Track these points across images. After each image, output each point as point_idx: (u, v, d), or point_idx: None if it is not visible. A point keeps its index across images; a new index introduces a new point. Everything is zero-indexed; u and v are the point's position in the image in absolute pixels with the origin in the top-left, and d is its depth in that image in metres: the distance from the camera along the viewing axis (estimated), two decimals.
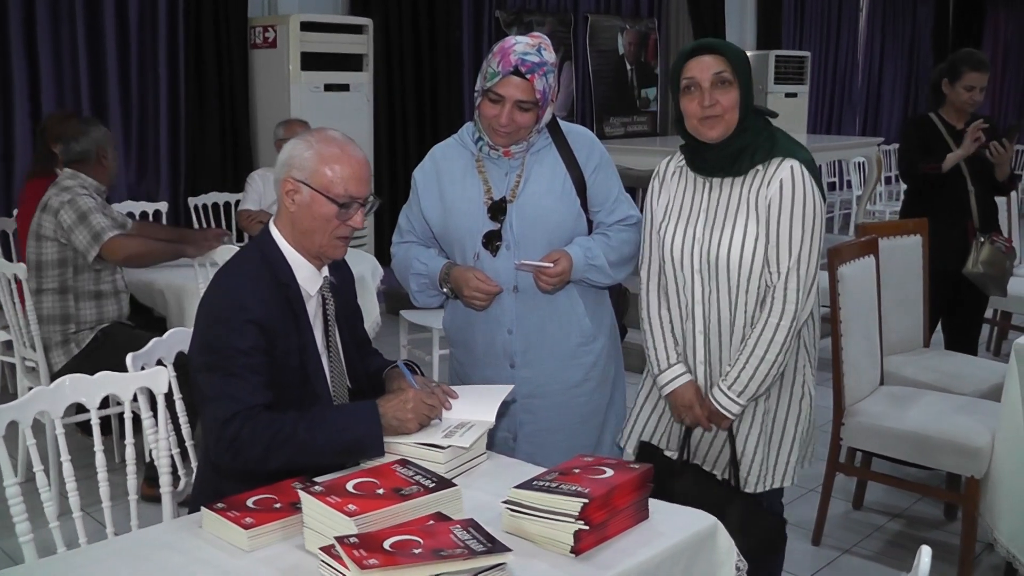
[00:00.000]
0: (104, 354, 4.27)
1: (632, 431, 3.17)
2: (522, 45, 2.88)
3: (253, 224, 5.62)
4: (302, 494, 2.02)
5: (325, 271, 2.66)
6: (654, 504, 2.21)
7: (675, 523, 2.18)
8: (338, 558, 1.71)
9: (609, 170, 3.12)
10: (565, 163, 3.04)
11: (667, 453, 3.09)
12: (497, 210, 2.99)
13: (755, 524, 2.87)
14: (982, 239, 5.00)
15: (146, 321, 4.98)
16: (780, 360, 2.82)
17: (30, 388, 4.67)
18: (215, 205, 6.86)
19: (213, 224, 6.75)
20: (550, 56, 2.93)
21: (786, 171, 2.81)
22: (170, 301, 4.88)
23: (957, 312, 5.22)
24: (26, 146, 6.40)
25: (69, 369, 4.26)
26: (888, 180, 12.48)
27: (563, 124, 3.11)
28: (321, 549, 1.76)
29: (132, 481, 2.77)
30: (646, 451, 3.11)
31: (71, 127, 4.71)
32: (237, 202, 6.54)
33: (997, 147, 4.95)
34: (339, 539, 1.75)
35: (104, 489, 2.63)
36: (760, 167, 2.83)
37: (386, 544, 1.74)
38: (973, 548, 3.78)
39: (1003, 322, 6.73)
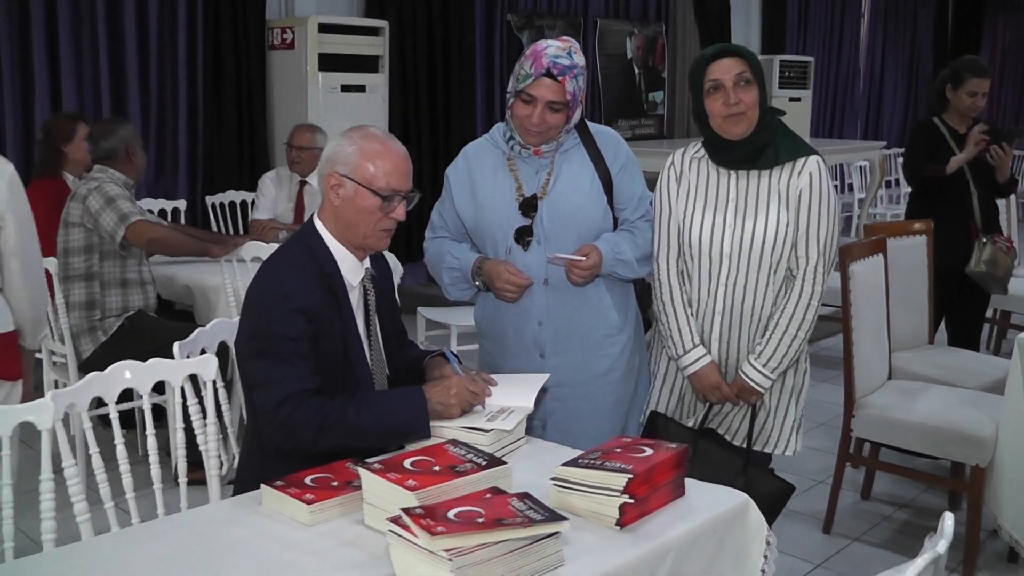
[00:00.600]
0: (131, 342, 4.41)
1: (647, 411, 3.35)
2: (554, 48, 3.02)
3: (265, 233, 5.67)
4: (362, 471, 2.15)
5: (367, 263, 2.78)
6: (689, 482, 2.35)
7: (710, 499, 2.32)
8: (407, 527, 1.84)
9: (634, 169, 3.25)
10: (593, 162, 3.17)
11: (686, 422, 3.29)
12: (528, 206, 3.12)
13: (765, 486, 3.07)
14: (984, 239, 5.15)
15: (170, 315, 5.12)
16: (806, 336, 3.08)
17: (56, 381, 4.83)
18: (231, 204, 6.98)
19: (230, 222, 6.88)
20: (580, 59, 3.07)
21: (813, 166, 3.06)
22: (196, 295, 5.00)
23: (960, 310, 5.36)
24: None
25: (97, 356, 4.41)
26: (889, 184, 12.64)
27: (591, 125, 3.25)
28: (390, 519, 1.88)
29: (172, 468, 2.87)
30: (657, 421, 3.30)
31: (100, 127, 4.87)
32: (253, 201, 6.65)
33: (998, 151, 5.11)
34: (405, 510, 1.88)
35: (156, 472, 2.73)
36: (789, 162, 3.04)
37: (450, 514, 1.87)
38: (978, 534, 3.92)
39: (1003, 321, 6.86)
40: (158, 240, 4.73)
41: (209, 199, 6.91)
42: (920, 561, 1.56)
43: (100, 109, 6.72)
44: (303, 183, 5.94)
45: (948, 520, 1.72)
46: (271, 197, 6.08)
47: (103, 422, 4.98)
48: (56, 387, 4.84)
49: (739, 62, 3.01)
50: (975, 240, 5.18)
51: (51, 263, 4.45)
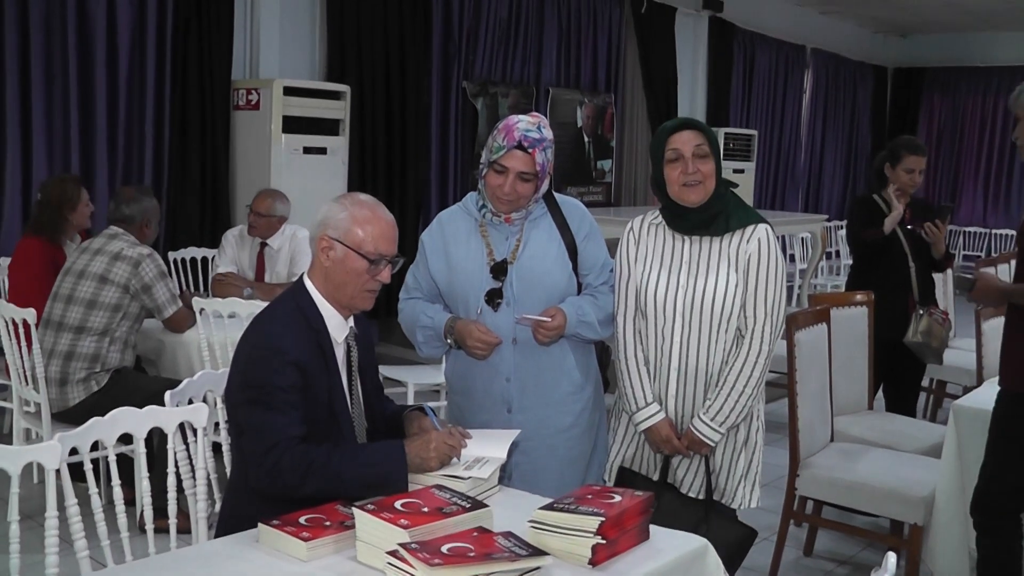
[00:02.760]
0: (118, 392, 4.56)
1: (613, 463, 3.55)
2: (524, 123, 3.26)
3: (226, 288, 5.80)
4: (356, 512, 2.34)
5: (351, 321, 2.97)
6: (653, 528, 2.55)
7: (672, 543, 2.53)
8: (404, 560, 2.03)
9: (598, 238, 3.49)
10: (559, 230, 3.40)
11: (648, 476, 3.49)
12: (499, 270, 3.34)
13: (730, 532, 3.29)
14: (921, 311, 5.41)
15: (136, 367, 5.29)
16: (755, 392, 3.29)
17: (26, 429, 4.95)
18: (192, 260, 7.12)
19: (190, 277, 7.03)
20: (548, 133, 3.31)
21: (762, 233, 3.31)
22: (167, 349, 5.18)
23: (898, 378, 5.62)
24: (14, 203, 6.68)
25: (87, 405, 4.55)
26: (830, 255, 13.02)
27: (557, 196, 3.48)
28: (388, 553, 2.07)
29: (136, 517, 2.97)
30: (624, 475, 3.50)
31: (127, 191, 5.13)
32: (213, 257, 6.76)
33: (931, 227, 5.37)
34: (402, 545, 2.07)
35: (123, 521, 2.89)
36: (739, 229, 3.30)
37: (444, 549, 2.07)
38: None
39: (938, 391, 7.14)
40: (186, 327, 5.08)
41: (171, 255, 7.03)
42: None
43: (68, 163, 6.87)
44: (264, 245, 6.08)
45: (891, 558, 1.94)
46: (232, 256, 6.18)
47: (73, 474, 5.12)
48: (28, 436, 4.96)
49: (698, 135, 3.27)
50: (912, 312, 5.44)
51: (30, 313, 4.59)
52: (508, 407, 3.39)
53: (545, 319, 3.27)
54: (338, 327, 2.91)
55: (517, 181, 3.25)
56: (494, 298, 3.34)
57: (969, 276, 3.67)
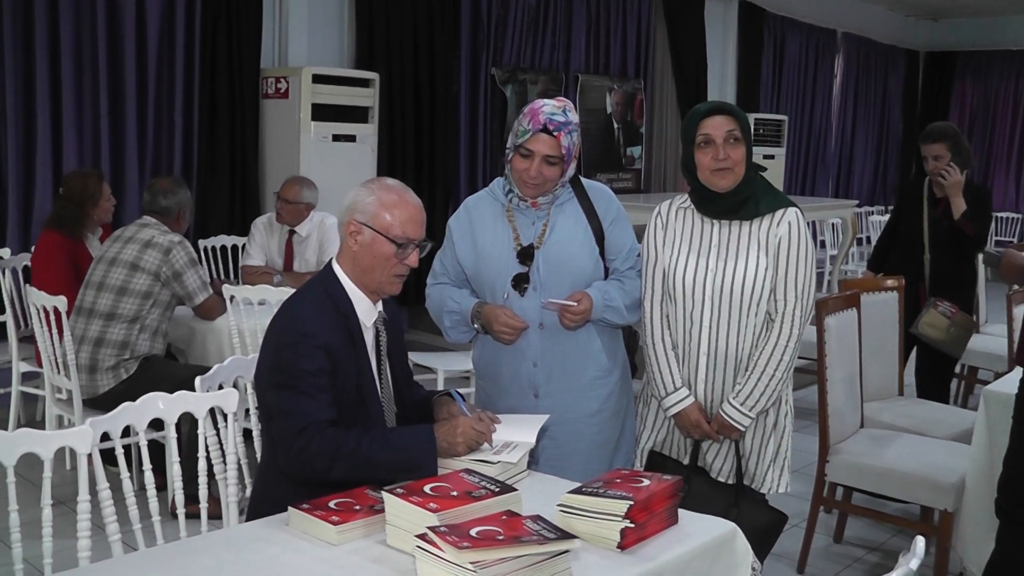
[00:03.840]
0: (147, 380, 4.59)
1: (644, 448, 3.55)
2: (550, 107, 3.26)
3: (256, 278, 5.84)
4: (386, 496, 2.34)
5: (380, 306, 2.98)
6: (682, 512, 2.55)
7: (701, 527, 2.53)
8: (433, 543, 2.04)
9: (625, 223, 3.48)
10: (586, 215, 3.40)
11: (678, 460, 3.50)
12: (525, 255, 3.34)
13: (760, 517, 3.31)
14: (929, 303, 5.38)
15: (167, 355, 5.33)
16: (784, 376, 3.29)
17: (59, 416, 4.99)
18: (223, 248, 7.16)
19: (220, 266, 7.07)
20: (574, 117, 3.30)
21: (792, 216, 3.30)
22: (198, 336, 5.21)
23: (930, 364, 5.59)
24: (46, 194, 6.73)
25: (116, 392, 4.59)
26: (860, 241, 12.95)
27: (584, 180, 3.48)
28: (417, 536, 2.09)
29: (168, 503, 3.01)
30: (655, 459, 3.50)
31: (164, 183, 5.16)
32: (243, 246, 6.78)
33: (948, 169, 5.34)
34: (432, 528, 2.08)
35: (154, 506, 2.90)
36: (769, 214, 3.28)
37: (472, 532, 2.07)
38: None
39: (970, 377, 7.10)
40: (216, 315, 5.12)
41: (201, 243, 7.06)
42: (895, 574, 1.76)
43: (98, 154, 6.92)
44: (292, 232, 6.11)
45: (920, 542, 1.93)
46: (262, 244, 6.22)
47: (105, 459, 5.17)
48: (60, 422, 5.01)
49: (730, 120, 3.25)
50: (923, 302, 5.42)
51: (61, 301, 4.63)
52: (535, 392, 3.40)
53: (571, 303, 3.27)
54: (367, 312, 2.92)
55: (543, 165, 3.25)
56: (520, 283, 3.34)
57: (997, 253, 3.65)
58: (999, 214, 15.84)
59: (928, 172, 5.51)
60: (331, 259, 2.98)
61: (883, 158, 16.47)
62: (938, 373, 5.71)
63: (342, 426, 2.73)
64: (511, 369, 3.43)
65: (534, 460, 3.34)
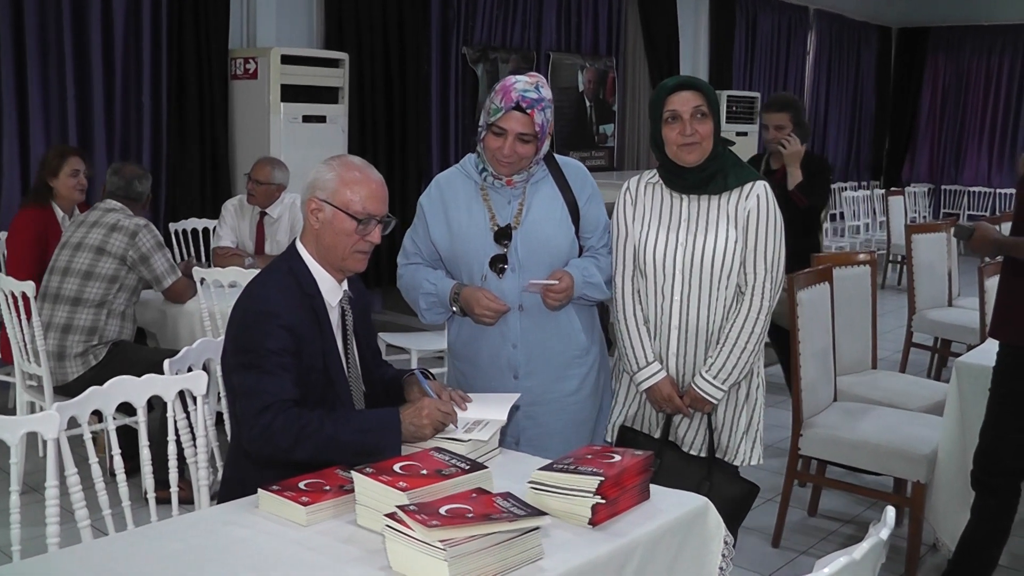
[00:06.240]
0: (116, 365, 4.52)
1: (615, 423, 3.54)
2: (522, 83, 3.21)
3: (228, 260, 5.75)
4: (355, 475, 2.33)
5: (345, 285, 2.95)
6: (654, 487, 2.55)
7: (673, 502, 2.53)
8: (402, 522, 2.02)
9: (598, 200, 3.45)
10: (561, 192, 3.37)
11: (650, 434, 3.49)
12: (503, 235, 3.30)
13: (732, 488, 3.32)
14: None
15: (139, 340, 5.30)
16: (756, 349, 3.29)
17: (30, 403, 4.95)
18: (194, 231, 7.11)
19: (191, 248, 7.02)
20: (547, 93, 3.26)
21: (760, 189, 3.30)
22: (169, 320, 5.17)
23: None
24: (13, 177, 6.67)
25: (86, 379, 4.54)
26: (833, 217, 13.00)
27: (558, 157, 3.44)
28: (387, 515, 2.07)
29: (140, 488, 3.00)
30: (626, 434, 3.49)
31: (134, 169, 5.16)
32: (214, 228, 6.73)
33: (788, 139, 5.42)
34: (401, 507, 2.06)
35: (124, 491, 2.89)
36: (737, 187, 3.28)
37: (442, 510, 2.06)
38: (919, 548, 4.15)
39: (943, 349, 7.13)
40: (185, 298, 5.10)
41: (172, 226, 7.03)
42: (865, 544, 1.77)
43: (66, 136, 6.85)
44: (263, 214, 6.06)
45: (890, 512, 1.93)
46: (233, 226, 6.17)
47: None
48: (32, 409, 4.96)
49: (697, 95, 3.23)
50: None
51: (28, 286, 4.58)
52: (515, 373, 3.37)
53: (554, 282, 3.24)
54: (332, 291, 2.91)
55: (516, 143, 3.20)
56: (498, 264, 3.29)
57: (968, 225, 3.65)
58: (972, 188, 15.94)
59: (767, 141, 5.54)
60: (295, 239, 2.95)
61: (856, 135, 16.51)
62: (777, 344, 5.79)
63: (308, 406, 2.70)
64: (490, 351, 3.39)
65: (514, 440, 3.35)
